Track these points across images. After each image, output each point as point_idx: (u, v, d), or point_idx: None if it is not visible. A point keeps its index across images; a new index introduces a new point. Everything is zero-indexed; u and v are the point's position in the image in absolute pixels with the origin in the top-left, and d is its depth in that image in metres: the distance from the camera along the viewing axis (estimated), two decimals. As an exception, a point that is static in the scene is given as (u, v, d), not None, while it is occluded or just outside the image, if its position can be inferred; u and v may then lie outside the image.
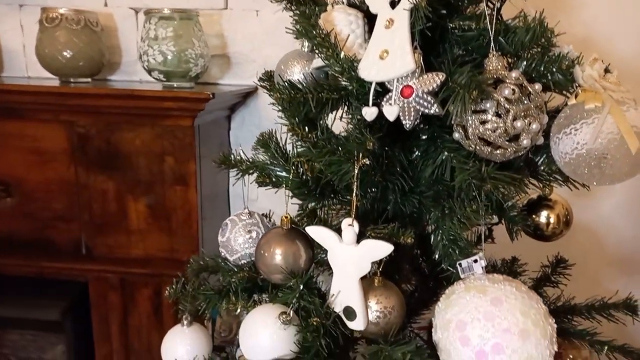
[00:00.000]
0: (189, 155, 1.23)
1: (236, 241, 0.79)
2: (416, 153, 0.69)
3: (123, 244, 1.28)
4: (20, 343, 1.52)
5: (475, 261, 0.61)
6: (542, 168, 0.68)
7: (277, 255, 0.65)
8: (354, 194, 0.61)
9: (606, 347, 0.69)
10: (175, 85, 1.21)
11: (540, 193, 0.77)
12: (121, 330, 1.34)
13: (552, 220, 0.76)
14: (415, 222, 0.70)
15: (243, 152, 0.76)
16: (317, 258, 0.72)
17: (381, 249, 0.60)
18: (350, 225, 0.62)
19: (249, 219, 0.81)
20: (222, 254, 0.82)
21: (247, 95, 1.42)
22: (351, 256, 0.62)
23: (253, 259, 0.80)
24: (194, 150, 1.23)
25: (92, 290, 1.31)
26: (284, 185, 0.64)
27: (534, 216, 0.76)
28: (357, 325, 0.62)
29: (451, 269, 0.70)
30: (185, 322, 0.80)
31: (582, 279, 0.84)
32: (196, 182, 1.25)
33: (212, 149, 1.36)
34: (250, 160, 0.75)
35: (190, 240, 1.26)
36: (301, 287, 0.61)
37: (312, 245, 0.68)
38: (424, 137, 0.69)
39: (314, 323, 0.59)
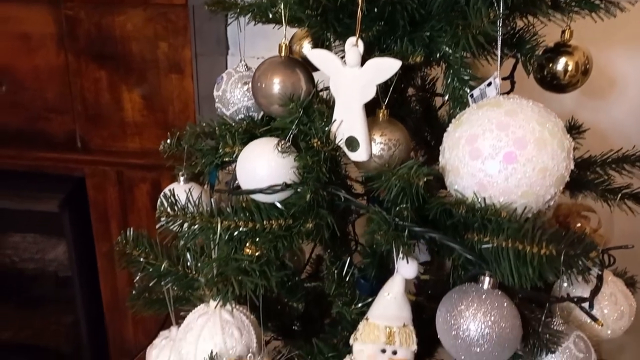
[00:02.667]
0: (184, 40, 1.16)
1: (232, 93, 0.75)
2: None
3: (119, 137, 1.25)
4: (22, 245, 1.52)
5: (489, 84, 0.57)
6: (564, -2, 0.62)
7: (275, 85, 0.61)
8: (358, 10, 0.56)
9: (619, 195, 0.66)
10: (166, -40, 1.13)
11: (559, 40, 0.72)
12: (121, 228, 1.32)
13: (570, 67, 0.70)
14: (425, 61, 0.65)
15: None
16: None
17: (387, 67, 0.55)
18: (354, 45, 0.57)
19: (245, 71, 0.76)
20: (218, 110, 0.78)
21: (244, -17, 1.33)
22: (355, 80, 0.57)
23: (251, 112, 0.76)
24: (189, 34, 1.16)
25: (90, 185, 1.29)
26: (282, 6, 0.58)
27: (550, 64, 0.71)
28: (360, 155, 0.59)
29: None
30: (181, 179, 0.77)
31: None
32: (192, 70, 1.19)
33: (208, 46, 1.29)
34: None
35: (187, 132, 1.22)
36: (300, 111, 0.58)
37: (312, 79, 0.63)
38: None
39: (315, 145, 0.55)
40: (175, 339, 0.75)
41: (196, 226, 0.58)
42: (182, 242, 0.58)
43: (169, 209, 0.57)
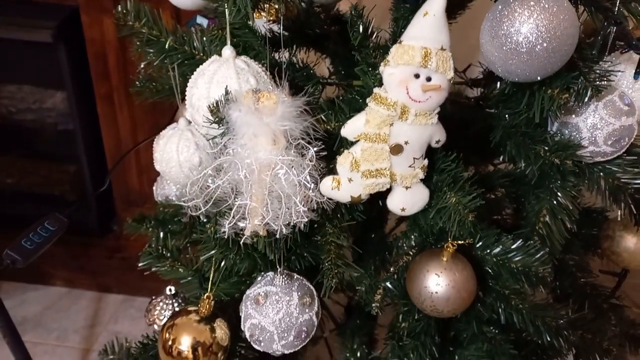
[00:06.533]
0: None
1: None
2: None
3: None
4: (18, 95, 1.45)
5: None
6: None
7: None
8: None
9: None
10: None
11: None
12: (119, 66, 1.25)
13: None
14: None
15: None
16: None
17: None
18: None
19: None
20: None
21: None
22: None
23: None
24: None
25: (84, 16, 1.19)
26: None
27: None
28: None
29: None
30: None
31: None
32: None
33: None
34: None
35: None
36: None
37: None
38: None
39: None
40: (184, 129, 0.71)
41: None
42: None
43: None
